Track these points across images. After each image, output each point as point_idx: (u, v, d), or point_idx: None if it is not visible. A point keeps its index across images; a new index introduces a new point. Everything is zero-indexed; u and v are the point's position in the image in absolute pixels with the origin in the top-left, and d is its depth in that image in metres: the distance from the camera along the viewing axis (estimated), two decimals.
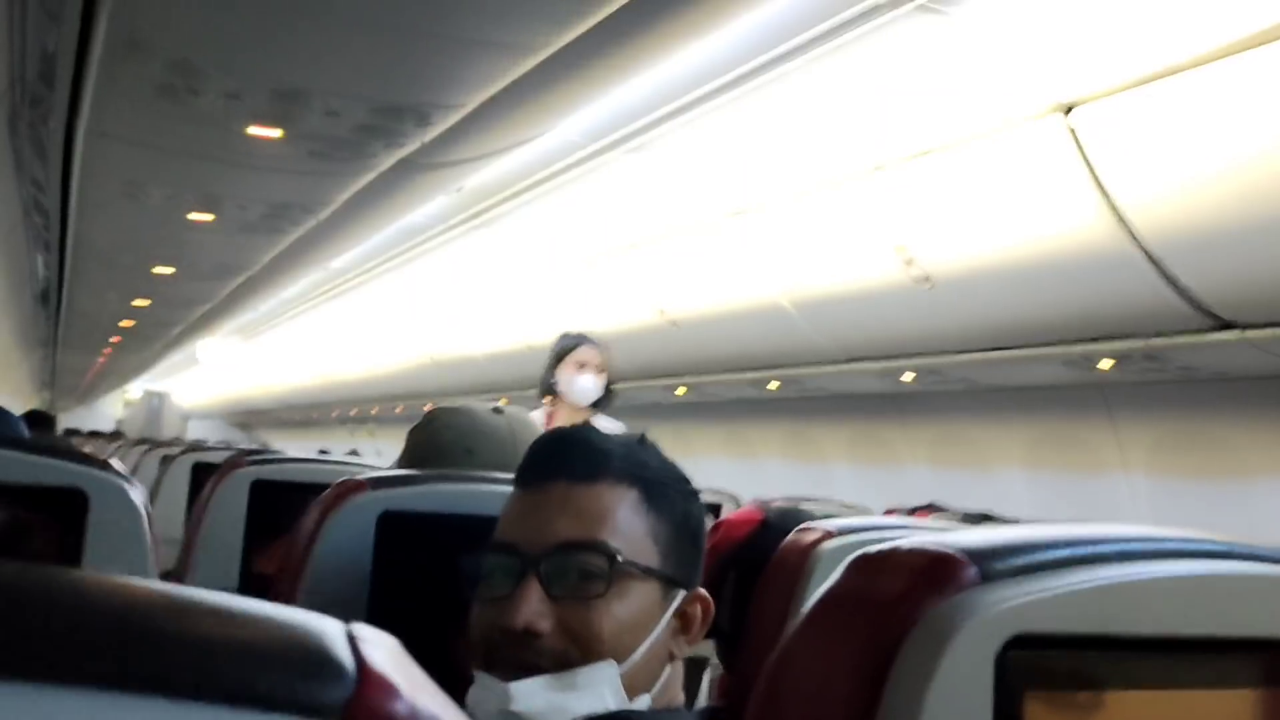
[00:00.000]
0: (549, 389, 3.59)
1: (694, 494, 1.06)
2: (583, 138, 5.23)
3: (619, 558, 0.95)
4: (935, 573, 0.50)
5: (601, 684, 0.93)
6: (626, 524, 0.98)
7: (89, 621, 0.28)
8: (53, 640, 0.27)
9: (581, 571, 0.95)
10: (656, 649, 0.97)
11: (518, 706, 0.92)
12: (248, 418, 21.39)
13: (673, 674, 1.00)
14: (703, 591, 1.02)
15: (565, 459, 1.00)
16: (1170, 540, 0.55)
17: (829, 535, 1.29)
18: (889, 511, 5.10)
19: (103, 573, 1.05)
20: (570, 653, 0.93)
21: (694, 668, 1.54)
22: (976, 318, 4.31)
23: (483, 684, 0.96)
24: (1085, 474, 5.24)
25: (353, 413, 13.98)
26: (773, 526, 1.43)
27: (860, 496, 5.41)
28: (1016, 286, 3.92)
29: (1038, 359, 4.37)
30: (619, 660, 0.94)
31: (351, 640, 0.31)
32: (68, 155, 4.80)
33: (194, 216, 5.64)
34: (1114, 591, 0.50)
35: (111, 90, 3.74)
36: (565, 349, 3.63)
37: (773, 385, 6.09)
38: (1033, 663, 0.48)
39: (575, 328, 4.65)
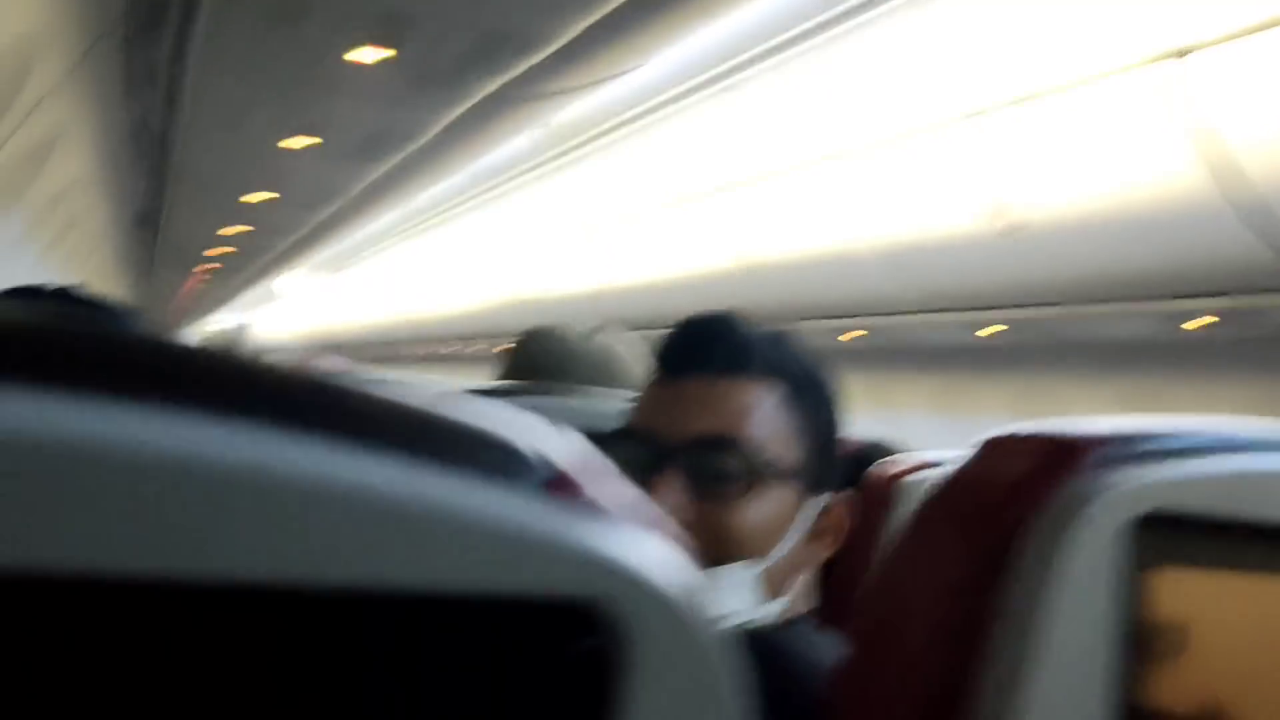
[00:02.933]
0: None
1: (837, 397, 1.00)
2: (673, 77, 5.21)
3: (761, 457, 0.91)
4: (1061, 455, 0.51)
5: (740, 585, 0.89)
6: (769, 422, 0.92)
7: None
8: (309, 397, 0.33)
9: (720, 469, 0.90)
10: (791, 555, 0.93)
11: None
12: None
13: (804, 582, 0.96)
14: (841, 498, 0.98)
15: (708, 351, 0.94)
16: None
17: (913, 468, 1.31)
18: None
19: None
20: (706, 551, 0.86)
21: None
22: (1066, 270, 4.23)
23: None
24: None
25: (442, 350, 14.11)
26: (858, 460, 1.44)
27: (941, 450, 5.36)
28: (1112, 239, 3.83)
29: (1128, 314, 4.29)
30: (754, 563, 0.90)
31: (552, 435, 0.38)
32: (178, 80, 4.92)
33: (297, 142, 5.78)
34: (1241, 478, 0.51)
35: (223, 16, 3.82)
36: None
37: (849, 335, 6.05)
38: (1157, 543, 0.49)
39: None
